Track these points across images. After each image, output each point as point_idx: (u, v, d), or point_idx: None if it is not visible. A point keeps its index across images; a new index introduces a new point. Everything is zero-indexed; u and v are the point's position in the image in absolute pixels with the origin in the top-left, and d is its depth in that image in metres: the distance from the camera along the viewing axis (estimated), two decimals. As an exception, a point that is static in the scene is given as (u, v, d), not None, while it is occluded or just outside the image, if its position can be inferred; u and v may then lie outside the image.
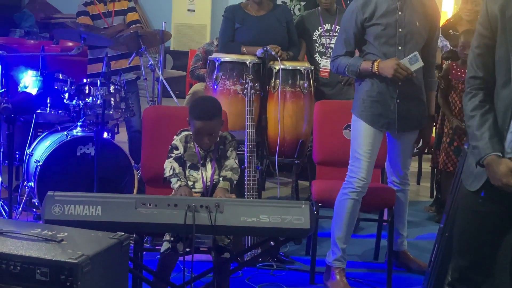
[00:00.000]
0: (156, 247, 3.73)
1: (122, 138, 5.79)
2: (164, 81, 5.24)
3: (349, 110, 3.91)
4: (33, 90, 4.66)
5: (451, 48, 5.51)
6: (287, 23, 5.14)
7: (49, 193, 2.80)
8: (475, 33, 2.62)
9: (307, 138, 4.94)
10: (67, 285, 2.18)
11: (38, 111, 4.68)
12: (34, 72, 4.74)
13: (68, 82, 4.78)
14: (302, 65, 4.93)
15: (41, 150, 4.70)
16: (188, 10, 10.15)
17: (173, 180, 3.28)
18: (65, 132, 4.70)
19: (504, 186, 2.47)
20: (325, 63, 5.15)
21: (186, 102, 6.54)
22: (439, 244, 3.40)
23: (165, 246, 3.17)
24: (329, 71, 5.11)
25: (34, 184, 4.55)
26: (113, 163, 4.64)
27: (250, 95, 4.31)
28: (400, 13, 3.72)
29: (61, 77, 4.78)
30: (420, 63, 3.66)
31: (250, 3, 5.13)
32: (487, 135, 2.51)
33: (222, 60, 4.84)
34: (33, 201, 4.67)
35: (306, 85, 4.84)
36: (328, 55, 5.12)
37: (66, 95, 4.74)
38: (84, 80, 4.79)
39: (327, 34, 5.20)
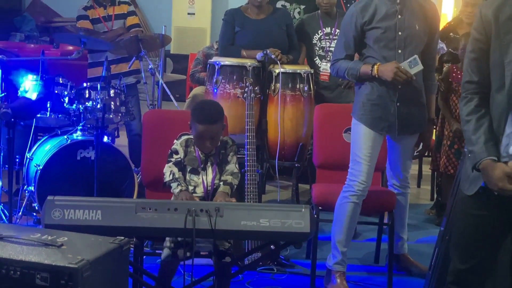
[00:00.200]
0: (157, 251, 3.73)
1: (122, 142, 5.79)
2: (164, 85, 5.25)
3: (349, 113, 3.91)
4: (33, 95, 4.66)
5: (451, 50, 5.51)
6: (287, 27, 5.14)
7: (49, 197, 2.80)
8: (470, 37, 2.63)
9: (307, 142, 4.93)
10: (67, 290, 2.18)
11: (38, 115, 4.67)
12: (34, 76, 4.74)
13: (68, 86, 4.79)
14: (302, 69, 4.92)
15: (41, 154, 4.70)
16: (188, 14, 10.16)
17: (173, 185, 3.28)
18: (65, 136, 4.71)
19: (499, 191, 2.47)
20: (325, 67, 5.15)
21: (186, 105, 6.54)
22: (439, 247, 3.40)
23: (165, 253, 3.16)
24: (329, 74, 5.11)
25: (34, 188, 4.55)
26: (113, 167, 4.65)
27: (250, 99, 4.31)
28: (399, 16, 3.72)
29: (61, 81, 4.79)
30: (419, 67, 3.67)
31: (250, 7, 5.13)
32: (483, 139, 2.52)
33: (222, 63, 4.84)
34: (33, 205, 4.67)
35: (306, 88, 4.84)
36: (328, 59, 5.12)
37: (66, 99, 4.75)
38: (84, 84, 4.80)
39: (327, 37, 5.20)
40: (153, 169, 3.80)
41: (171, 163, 3.36)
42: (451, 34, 5.65)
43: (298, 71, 4.88)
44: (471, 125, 2.57)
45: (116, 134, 5.54)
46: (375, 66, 3.69)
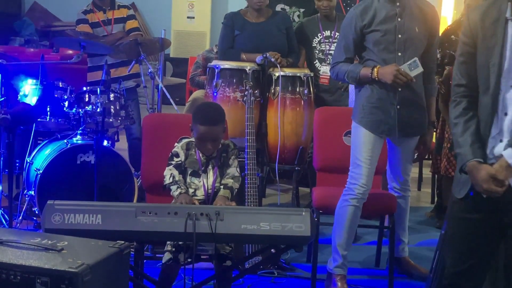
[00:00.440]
0: (157, 255, 3.72)
1: (122, 146, 5.79)
2: (164, 89, 5.25)
3: (349, 116, 3.91)
4: (33, 99, 4.66)
5: (452, 53, 5.51)
6: (286, 30, 5.14)
7: (49, 202, 2.80)
8: (459, 42, 2.66)
9: (307, 145, 4.93)
10: (67, 294, 2.18)
11: (38, 120, 4.67)
12: (34, 81, 4.74)
13: (68, 90, 4.79)
14: (302, 72, 4.92)
15: (41, 158, 4.70)
16: (188, 17, 10.16)
17: (173, 187, 3.28)
18: (65, 140, 4.71)
19: (485, 192, 2.49)
20: (324, 70, 5.15)
21: (186, 109, 6.54)
22: (440, 250, 3.38)
23: (166, 257, 3.16)
24: (329, 77, 5.11)
25: (34, 193, 4.55)
26: (113, 171, 4.65)
27: (250, 102, 4.31)
28: (399, 19, 3.72)
29: (61, 85, 4.79)
30: (419, 69, 3.66)
31: (249, 10, 5.14)
32: (469, 141, 2.54)
33: (222, 67, 4.84)
34: (33, 209, 4.67)
35: (306, 91, 4.84)
36: (328, 62, 5.12)
37: (66, 103, 4.75)
38: (84, 88, 4.80)
39: (327, 40, 5.20)
40: (153, 173, 3.80)
41: (172, 165, 3.37)
42: (452, 36, 5.65)
43: (298, 74, 4.88)
44: (459, 128, 2.59)
45: (116, 138, 5.54)
46: (375, 69, 3.69)
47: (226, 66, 4.85)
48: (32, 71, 4.86)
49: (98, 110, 4.64)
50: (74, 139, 4.73)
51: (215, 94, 4.82)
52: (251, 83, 4.55)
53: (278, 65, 4.77)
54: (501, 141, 2.50)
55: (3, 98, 4.46)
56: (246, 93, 4.35)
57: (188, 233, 2.78)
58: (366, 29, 3.75)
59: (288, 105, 4.82)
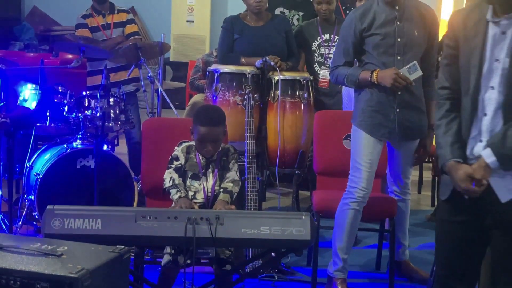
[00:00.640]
0: (157, 260, 3.72)
1: (122, 150, 5.79)
2: (164, 93, 5.24)
3: (349, 120, 3.91)
4: (32, 104, 4.66)
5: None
6: (286, 33, 5.14)
7: (48, 206, 2.80)
8: (443, 45, 2.70)
9: (307, 148, 4.93)
10: (67, 299, 2.17)
11: (37, 124, 4.67)
12: (34, 85, 4.74)
13: (68, 95, 4.78)
14: (301, 76, 4.92)
15: (41, 163, 4.70)
16: (187, 21, 10.17)
17: (173, 191, 3.28)
18: (65, 145, 4.70)
19: (463, 191, 2.52)
20: (324, 73, 5.15)
21: (186, 113, 6.54)
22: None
23: (165, 259, 3.16)
24: (328, 81, 5.10)
25: (34, 197, 4.54)
26: (113, 175, 4.64)
27: (250, 106, 4.31)
28: (398, 23, 3.72)
29: (60, 90, 4.79)
30: (419, 73, 3.67)
31: (248, 14, 5.14)
32: (449, 142, 2.58)
33: (222, 71, 4.84)
34: (33, 214, 4.66)
35: (305, 95, 4.84)
36: (327, 65, 5.12)
37: (66, 108, 4.75)
38: (84, 93, 4.79)
39: (326, 44, 5.20)
40: (153, 177, 3.80)
41: (171, 169, 3.37)
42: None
43: (298, 78, 4.88)
44: (441, 129, 2.63)
45: (116, 142, 5.55)
46: (375, 73, 3.69)
47: (226, 70, 4.85)
48: (32, 76, 4.86)
49: (98, 114, 4.64)
50: (74, 143, 4.72)
51: (214, 98, 4.82)
52: (251, 87, 4.55)
53: (277, 68, 4.77)
54: (480, 141, 2.53)
55: (2, 103, 4.46)
56: (245, 97, 4.35)
57: (188, 238, 2.78)
58: (365, 33, 3.75)
59: (287, 109, 4.82)
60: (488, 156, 2.46)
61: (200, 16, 10.11)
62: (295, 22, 5.64)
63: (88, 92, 4.80)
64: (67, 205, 2.87)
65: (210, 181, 3.36)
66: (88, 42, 5.30)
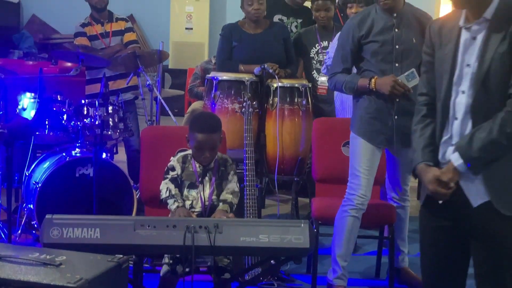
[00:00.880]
0: (156, 268, 3.72)
1: (121, 158, 5.79)
2: (162, 101, 5.25)
3: (348, 127, 3.92)
4: (31, 112, 4.66)
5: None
6: (284, 41, 5.15)
7: (47, 216, 2.80)
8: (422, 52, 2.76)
9: (306, 155, 4.93)
10: (65, 309, 2.17)
11: (36, 133, 4.67)
12: (32, 94, 4.74)
13: (67, 103, 4.78)
14: (300, 83, 4.93)
15: (40, 171, 4.70)
16: (186, 29, 10.18)
17: (170, 201, 3.28)
18: (64, 153, 4.70)
19: (432, 194, 2.55)
20: (322, 80, 5.16)
21: (184, 120, 6.54)
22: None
23: (164, 269, 3.16)
24: (327, 88, 5.11)
25: (33, 206, 4.53)
26: (112, 183, 4.64)
27: (248, 114, 4.31)
28: (396, 30, 3.73)
29: (59, 98, 4.79)
30: (417, 80, 3.65)
31: (247, 22, 5.14)
32: (421, 146, 2.63)
33: (220, 78, 4.84)
34: (32, 223, 4.66)
35: (304, 102, 4.84)
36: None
37: (65, 116, 4.74)
38: (82, 101, 4.79)
39: (325, 51, 5.21)
40: (152, 185, 3.79)
41: (168, 179, 3.37)
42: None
43: (296, 85, 4.88)
44: (416, 133, 2.68)
45: (115, 151, 5.54)
46: (373, 80, 3.70)
47: (224, 78, 4.85)
48: (31, 85, 4.86)
49: (97, 122, 4.64)
50: (73, 152, 4.72)
51: (213, 105, 4.83)
52: (249, 94, 4.56)
53: (276, 76, 4.77)
54: (452, 145, 2.55)
55: (1, 112, 4.46)
56: (244, 104, 4.36)
57: (187, 246, 2.77)
58: (363, 40, 3.76)
59: (286, 116, 4.82)
60: (456, 160, 2.49)
61: (199, 24, 10.12)
62: (294, 29, 5.65)
63: (87, 101, 4.80)
64: (66, 214, 2.88)
65: (207, 189, 3.36)
66: (87, 51, 5.31)
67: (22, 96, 4.77)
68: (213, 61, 6.36)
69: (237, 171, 3.53)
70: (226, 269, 3.17)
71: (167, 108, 5.17)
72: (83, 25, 5.68)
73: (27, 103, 4.73)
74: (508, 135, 2.41)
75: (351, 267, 3.95)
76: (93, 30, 5.66)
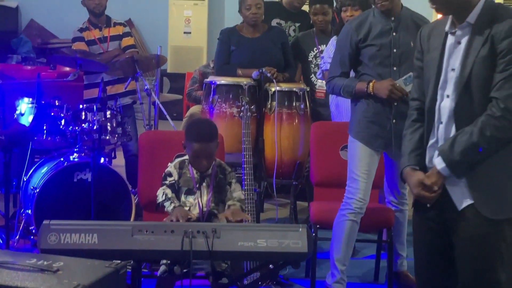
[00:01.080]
0: (154, 273, 3.71)
1: (119, 162, 5.78)
2: (160, 105, 5.25)
3: (346, 130, 3.91)
4: (29, 118, 4.65)
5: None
6: (282, 45, 5.15)
7: (44, 222, 2.79)
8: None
9: (305, 159, 4.93)
10: (63, 316, 2.16)
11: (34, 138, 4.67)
12: (30, 99, 4.74)
13: (64, 108, 4.78)
14: (298, 87, 4.93)
15: (38, 177, 4.69)
16: (184, 33, 10.17)
17: (167, 204, 3.28)
18: (62, 158, 4.70)
19: (417, 197, 2.60)
20: (321, 84, 5.15)
21: (183, 124, 6.53)
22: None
23: (162, 269, 3.16)
24: (325, 91, 5.10)
25: (31, 211, 4.53)
26: (110, 188, 4.63)
27: (247, 118, 4.31)
28: (394, 34, 3.73)
29: (57, 103, 4.78)
30: (415, 83, 3.66)
31: (245, 26, 5.15)
32: (408, 150, 2.68)
33: (218, 83, 4.84)
34: (30, 228, 4.65)
35: (302, 106, 4.84)
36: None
37: (63, 121, 4.74)
38: (80, 106, 4.79)
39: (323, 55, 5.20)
40: (150, 190, 3.79)
41: (165, 185, 3.37)
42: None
43: (294, 89, 4.89)
44: (406, 138, 2.73)
45: (113, 155, 5.53)
46: (371, 84, 3.70)
47: (223, 82, 4.85)
48: (29, 90, 4.86)
49: (95, 127, 4.63)
50: (71, 157, 4.71)
51: (211, 110, 4.82)
52: (248, 98, 4.56)
53: (274, 80, 4.77)
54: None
55: (-1, 117, 4.46)
56: (242, 108, 4.36)
57: (185, 251, 2.77)
58: (361, 44, 3.76)
59: (284, 120, 4.82)
60: (439, 163, 2.52)
61: (197, 28, 10.12)
62: (292, 33, 5.66)
63: (85, 105, 4.80)
64: (64, 219, 2.87)
65: (205, 196, 3.35)
66: (85, 56, 5.31)
67: (20, 101, 4.76)
68: (212, 65, 6.36)
69: (236, 174, 3.52)
70: (224, 274, 3.16)
71: (165, 113, 5.17)
72: (81, 30, 5.68)
73: (25, 109, 4.72)
74: (488, 138, 2.43)
75: (349, 271, 3.95)
76: (91, 35, 5.66)
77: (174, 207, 3.25)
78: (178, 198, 3.34)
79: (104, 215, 4.38)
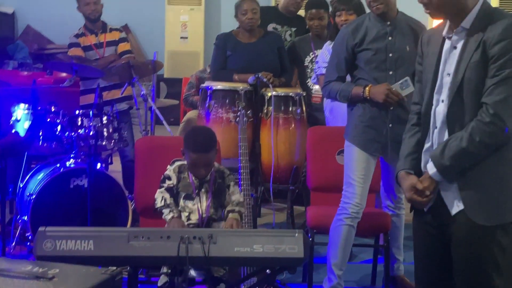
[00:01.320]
0: (151, 279, 3.70)
1: (116, 168, 5.77)
2: (157, 111, 5.24)
3: (342, 135, 3.91)
4: (24, 124, 4.64)
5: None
6: (278, 50, 5.16)
7: (40, 228, 2.78)
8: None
9: (301, 164, 4.93)
10: (58, 323, 2.16)
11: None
12: (26, 106, 4.73)
13: (60, 114, 4.77)
14: (294, 91, 4.93)
15: (34, 183, 4.68)
16: (181, 38, 10.18)
17: (165, 211, 3.27)
18: (58, 164, 4.69)
19: (409, 201, 2.61)
20: (317, 89, 5.15)
21: (180, 130, 6.53)
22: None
23: (162, 280, 3.15)
24: (321, 96, 5.11)
25: (27, 218, 4.51)
26: (106, 194, 4.62)
27: (243, 123, 4.31)
28: (390, 38, 3.73)
29: (53, 109, 4.77)
30: (411, 88, 3.66)
31: (241, 31, 5.15)
32: (404, 154, 2.69)
33: (214, 88, 4.85)
34: (26, 235, 4.63)
35: (298, 111, 4.85)
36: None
37: (59, 127, 4.73)
38: (77, 112, 4.78)
39: (319, 59, 5.21)
40: (146, 196, 3.78)
41: (163, 188, 3.36)
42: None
43: (290, 94, 4.89)
44: (404, 142, 2.73)
45: (109, 161, 5.52)
46: (367, 88, 3.70)
47: (219, 87, 4.86)
48: (25, 96, 4.85)
49: (91, 133, 4.63)
50: (67, 163, 4.70)
51: (208, 115, 4.82)
52: (244, 103, 4.56)
53: (270, 85, 4.77)
54: None
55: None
56: (238, 113, 4.36)
57: (181, 257, 2.76)
58: (357, 48, 3.77)
59: (281, 125, 4.82)
60: (430, 168, 2.52)
61: (194, 33, 10.13)
62: (288, 38, 5.66)
63: (81, 111, 4.79)
64: (61, 225, 2.87)
65: (204, 202, 3.34)
66: (81, 62, 5.31)
67: (16, 107, 4.75)
68: (208, 70, 6.36)
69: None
70: (221, 279, 3.16)
71: (162, 118, 5.17)
72: (77, 35, 5.68)
73: (21, 115, 4.71)
74: (477, 144, 2.43)
75: (346, 276, 3.94)
76: (87, 41, 5.66)
77: (173, 217, 3.24)
78: (177, 202, 3.34)
79: (100, 221, 4.36)
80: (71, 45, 5.67)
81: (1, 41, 9.94)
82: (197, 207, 3.32)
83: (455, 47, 2.53)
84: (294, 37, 5.64)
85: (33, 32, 10.42)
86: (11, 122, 4.71)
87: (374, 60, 3.74)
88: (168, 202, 3.29)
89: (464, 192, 2.48)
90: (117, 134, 4.86)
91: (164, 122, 5.15)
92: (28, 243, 4.65)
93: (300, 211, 5.60)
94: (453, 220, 2.52)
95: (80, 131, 4.67)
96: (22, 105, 4.75)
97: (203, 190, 3.36)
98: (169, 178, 3.38)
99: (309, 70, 5.26)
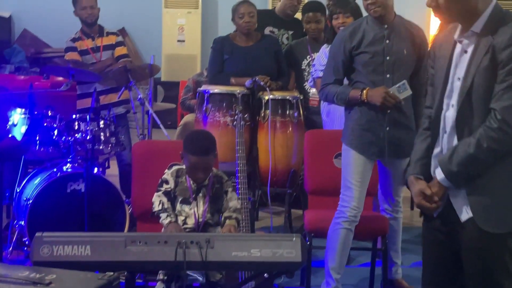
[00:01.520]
0: (149, 284, 3.69)
1: (113, 172, 5.76)
2: (154, 114, 5.24)
3: (339, 138, 3.91)
4: (21, 128, 4.63)
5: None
6: (275, 53, 5.16)
7: (37, 234, 2.77)
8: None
9: (299, 167, 4.92)
10: (55, 330, 2.15)
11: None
12: (23, 110, 4.72)
13: (57, 118, 4.76)
14: (291, 95, 4.93)
15: (31, 188, 4.67)
16: (178, 41, 10.18)
17: (163, 215, 3.26)
18: (55, 169, 4.67)
19: (418, 207, 2.60)
20: (314, 92, 5.15)
21: (177, 133, 6.52)
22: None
23: (159, 286, 3.14)
24: (318, 99, 5.11)
25: (24, 223, 4.50)
26: (104, 199, 4.61)
27: (240, 126, 4.31)
28: (387, 41, 3.73)
29: (50, 114, 4.76)
30: (408, 91, 3.67)
31: (238, 34, 5.15)
32: (415, 158, 2.66)
33: (211, 92, 4.84)
34: (23, 239, 4.62)
35: (296, 114, 4.84)
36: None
37: (55, 132, 4.72)
38: (74, 116, 4.77)
39: (316, 62, 5.20)
40: (143, 200, 3.78)
41: (161, 192, 3.35)
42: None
43: (287, 97, 4.89)
44: (415, 146, 2.70)
45: (106, 165, 5.51)
46: (364, 91, 3.70)
47: (216, 91, 4.86)
48: (21, 100, 4.84)
49: (88, 137, 4.61)
50: (64, 167, 4.69)
51: (205, 119, 4.82)
52: (241, 107, 4.56)
53: (267, 88, 4.77)
54: None
55: (-9, 129, 4.44)
56: (236, 117, 4.36)
57: (179, 262, 2.76)
58: (355, 51, 3.76)
59: (278, 128, 4.82)
60: (439, 174, 2.50)
61: (191, 36, 10.12)
62: (285, 41, 5.66)
63: (78, 115, 4.78)
64: (58, 230, 2.86)
65: (201, 206, 3.34)
66: (78, 66, 5.30)
67: (13, 112, 4.74)
68: (205, 73, 6.36)
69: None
70: (218, 284, 3.15)
71: (159, 122, 5.16)
72: (74, 39, 5.67)
73: (18, 119, 4.70)
74: (484, 150, 2.40)
75: (344, 279, 3.93)
76: (83, 45, 5.65)
77: (170, 221, 3.23)
78: (174, 206, 3.33)
79: (98, 226, 4.35)
80: (67, 50, 5.67)
81: (-3, 45, 9.94)
82: (193, 211, 3.32)
83: (465, 51, 2.50)
84: (291, 40, 5.64)
85: (30, 36, 10.41)
86: (7, 127, 4.70)
87: (372, 63, 3.74)
88: (165, 206, 3.29)
89: (473, 198, 2.46)
90: (114, 138, 4.85)
91: (161, 126, 5.14)
92: (25, 248, 4.63)
93: (298, 215, 5.59)
94: (462, 226, 2.49)
95: (77, 135, 4.66)
96: (18, 110, 4.73)
97: (200, 194, 3.36)
98: (167, 182, 3.38)
99: (306, 73, 5.25)
